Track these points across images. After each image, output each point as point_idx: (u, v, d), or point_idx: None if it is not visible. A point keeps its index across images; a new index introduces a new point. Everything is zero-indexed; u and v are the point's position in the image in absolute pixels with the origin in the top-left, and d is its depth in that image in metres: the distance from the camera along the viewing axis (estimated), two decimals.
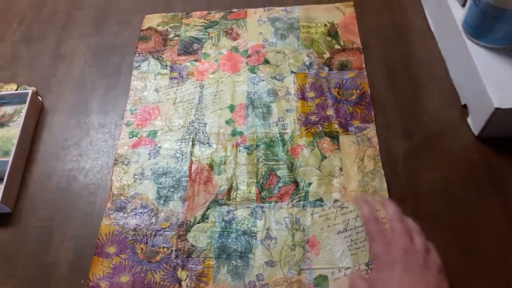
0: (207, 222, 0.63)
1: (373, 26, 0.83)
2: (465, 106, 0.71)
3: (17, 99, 0.78)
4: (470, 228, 0.60)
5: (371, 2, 0.87)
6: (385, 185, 0.64)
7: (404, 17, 0.84)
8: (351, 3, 0.86)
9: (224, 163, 0.69)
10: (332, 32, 0.82)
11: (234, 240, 0.62)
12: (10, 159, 0.68)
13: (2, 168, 0.68)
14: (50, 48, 0.88)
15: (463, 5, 0.70)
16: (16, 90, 0.79)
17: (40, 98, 0.79)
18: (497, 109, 0.60)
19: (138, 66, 0.82)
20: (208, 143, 0.71)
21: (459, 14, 0.70)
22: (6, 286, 0.62)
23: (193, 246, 0.62)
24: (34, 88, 0.78)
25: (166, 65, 0.81)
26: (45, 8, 0.95)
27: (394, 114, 0.72)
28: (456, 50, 0.72)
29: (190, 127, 0.73)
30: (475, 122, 0.67)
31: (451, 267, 0.56)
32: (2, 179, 0.67)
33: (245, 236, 0.62)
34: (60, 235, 0.65)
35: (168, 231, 0.63)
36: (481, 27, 0.65)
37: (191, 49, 0.83)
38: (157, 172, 0.69)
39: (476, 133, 0.67)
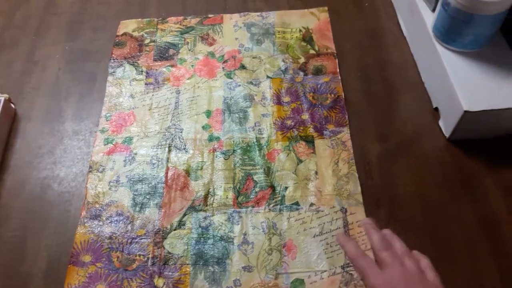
0: (184, 229, 0.63)
1: (347, 31, 0.84)
2: (436, 109, 0.72)
3: None
4: (443, 230, 0.61)
5: (345, 7, 0.88)
6: (359, 188, 0.65)
7: (378, 22, 0.86)
8: (326, 8, 0.87)
9: (201, 169, 0.69)
10: (307, 37, 0.83)
11: (211, 246, 0.62)
12: None
13: None
14: (23, 54, 0.86)
15: (433, 10, 0.72)
16: None
17: (13, 105, 0.78)
18: (466, 112, 0.62)
19: (113, 72, 0.81)
20: (184, 148, 0.71)
21: (430, 19, 0.72)
22: None
23: (169, 253, 0.61)
24: (6, 95, 0.77)
25: (142, 71, 0.81)
26: (18, 13, 0.93)
27: (368, 118, 0.73)
28: (427, 55, 0.73)
29: (166, 133, 0.73)
30: (446, 125, 0.69)
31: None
32: None
33: (222, 242, 0.62)
34: (34, 244, 0.64)
35: (144, 238, 0.63)
36: (450, 32, 0.67)
37: (167, 54, 0.83)
38: (132, 179, 0.68)
39: (447, 135, 0.69)
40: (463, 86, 0.64)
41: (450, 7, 0.64)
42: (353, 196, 0.64)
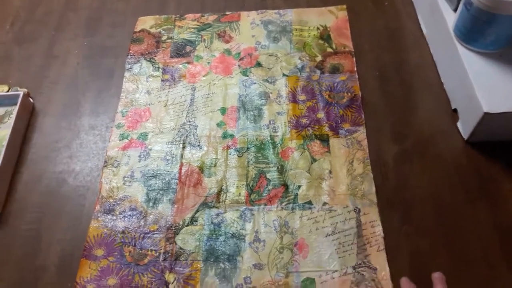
0: (196, 225, 0.63)
1: (365, 30, 0.83)
2: (455, 110, 0.71)
3: (8, 100, 0.78)
4: (458, 233, 0.60)
5: (364, 6, 0.87)
6: (374, 188, 0.64)
7: (397, 21, 0.84)
8: (344, 6, 0.86)
9: (215, 166, 0.69)
10: (325, 35, 0.82)
11: (222, 242, 0.61)
12: None
13: None
14: (43, 49, 0.88)
15: (455, 10, 0.70)
16: (8, 91, 0.79)
17: (31, 100, 0.79)
18: (486, 113, 0.61)
19: (130, 68, 0.82)
20: (199, 145, 0.71)
21: (451, 19, 0.70)
22: None
23: (181, 249, 0.61)
24: (25, 90, 0.78)
25: (158, 67, 0.81)
26: (39, 9, 0.95)
27: (385, 118, 0.72)
28: (447, 55, 0.72)
29: (181, 130, 0.73)
30: (465, 127, 0.67)
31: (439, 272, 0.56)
32: None
33: (234, 239, 0.62)
34: (48, 238, 0.65)
35: (156, 233, 0.63)
36: (472, 32, 0.66)
37: (183, 51, 0.83)
38: (147, 175, 0.68)
39: (465, 137, 0.67)
40: (483, 87, 0.63)
41: (473, 7, 0.63)
42: (367, 196, 0.63)
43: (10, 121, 0.73)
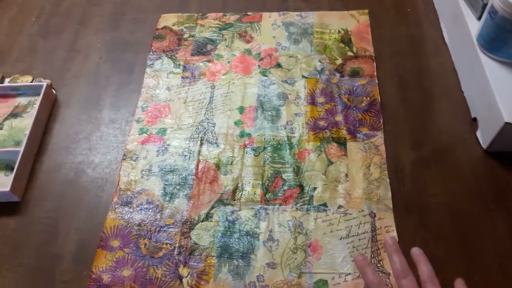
0: (211, 221, 0.64)
1: (387, 35, 0.83)
2: (475, 119, 0.70)
3: (32, 90, 0.79)
4: (473, 241, 0.60)
5: (386, 11, 0.87)
6: (390, 193, 0.64)
7: (419, 28, 0.84)
8: (366, 11, 0.86)
9: (231, 164, 0.69)
10: (346, 39, 0.82)
11: (236, 240, 0.62)
12: (21, 149, 0.69)
13: (13, 158, 0.69)
14: (67, 42, 0.89)
15: (479, 18, 0.70)
16: (31, 82, 0.80)
17: (54, 91, 0.81)
18: (507, 123, 0.60)
19: (152, 64, 0.83)
20: (216, 143, 0.72)
21: (475, 27, 0.70)
22: (13, 274, 0.63)
23: (196, 244, 0.62)
24: (48, 81, 0.80)
25: (179, 65, 0.82)
26: (64, 2, 0.96)
27: (404, 124, 0.72)
28: (469, 63, 0.72)
29: (199, 127, 0.74)
30: (484, 136, 0.67)
31: (453, 280, 0.56)
32: (13, 169, 0.68)
33: (248, 237, 0.62)
34: (65, 226, 0.66)
35: (172, 227, 0.64)
36: (496, 41, 0.65)
37: (204, 49, 0.84)
38: (164, 169, 0.69)
39: (484, 147, 0.67)
40: (505, 97, 0.62)
41: (497, 15, 0.63)
42: (383, 201, 0.63)
43: (33, 111, 0.75)
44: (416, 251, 0.50)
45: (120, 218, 0.65)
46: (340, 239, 0.61)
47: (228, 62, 0.82)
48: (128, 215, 0.65)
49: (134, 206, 0.66)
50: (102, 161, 0.72)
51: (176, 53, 0.84)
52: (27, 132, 0.71)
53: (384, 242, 0.53)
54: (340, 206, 0.63)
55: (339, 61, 0.79)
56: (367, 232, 0.61)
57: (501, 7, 0.61)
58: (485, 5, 0.67)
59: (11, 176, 0.67)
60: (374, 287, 0.47)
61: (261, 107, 0.75)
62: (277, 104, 0.75)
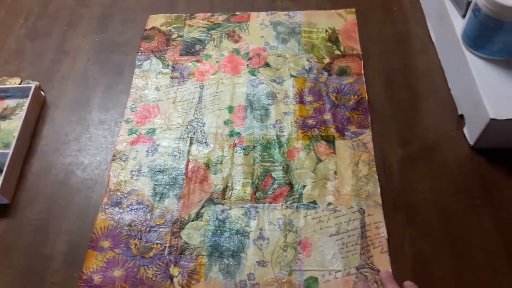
0: (201, 220, 0.64)
1: (374, 34, 0.84)
2: (461, 116, 0.71)
3: (20, 93, 0.79)
4: (461, 237, 0.61)
5: (373, 10, 0.88)
6: (379, 189, 0.64)
7: (406, 27, 0.85)
8: (353, 10, 0.87)
9: (221, 163, 0.69)
10: (333, 38, 0.83)
11: (227, 239, 0.62)
12: (10, 151, 0.69)
13: (2, 160, 0.69)
14: (55, 44, 0.89)
15: (464, 16, 0.71)
16: (20, 84, 0.80)
17: (42, 93, 0.80)
18: (492, 120, 0.61)
19: (140, 64, 0.83)
20: (205, 142, 0.72)
21: (460, 25, 0.71)
22: (2, 276, 0.62)
23: (186, 243, 0.62)
24: (37, 83, 0.79)
25: (168, 65, 0.82)
26: (52, 4, 0.96)
27: (391, 122, 0.72)
28: (455, 61, 0.73)
29: (188, 126, 0.74)
30: (471, 133, 0.68)
31: (442, 277, 0.57)
32: (2, 171, 0.68)
33: (238, 236, 0.62)
34: (55, 228, 0.66)
35: (162, 227, 0.64)
36: (480, 38, 0.66)
37: (193, 49, 0.84)
38: (154, 169, 0.69)
39: (471, 143, 0.68)
40: (490, 93, 0.63)
41: (481, 13, 0.63)
42: (372, 197, 0.64)
43: (22, 113, 0.74)
44: (408, 284, 0.53)
45: (110, 218, 0.65)
46: (330, 236, 0.61)
47: (217, 62, 0.82)
48: (118, 215, 0.65)
49: (124, 206, 0.66)
50: (92, 162, 0.72)
51: (165, 54, 0.84)
52: (16, 134, 0.71)
53: (379, 276, 0.57)
54: (329, 203, 0.64)
55: (326, 60, 0.80)
56: (356, 228, 0.62)
57: (484, 5, 0.62)
58: (469, 3, 0.68)
59: (0, 178, 0.67)
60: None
61: (250, 106, 0.75)
62: (266, 103, 0.75)
